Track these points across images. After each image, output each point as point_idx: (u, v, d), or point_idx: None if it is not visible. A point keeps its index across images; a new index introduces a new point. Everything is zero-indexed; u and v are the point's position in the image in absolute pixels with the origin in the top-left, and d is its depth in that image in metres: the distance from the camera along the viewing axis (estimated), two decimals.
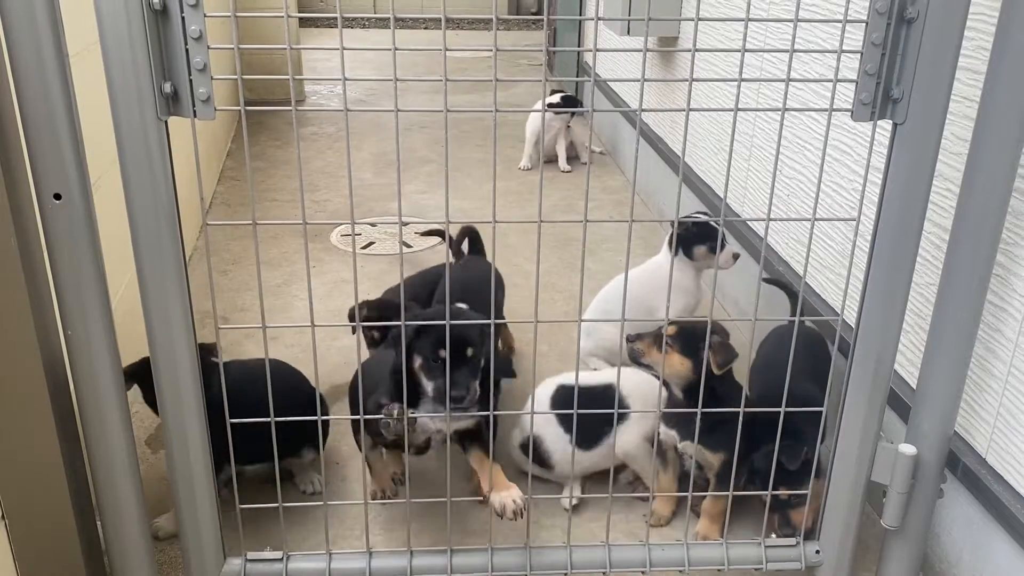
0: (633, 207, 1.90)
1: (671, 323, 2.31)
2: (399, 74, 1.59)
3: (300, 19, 8.23)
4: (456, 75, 1.47)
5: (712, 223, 2.94)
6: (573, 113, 5.50)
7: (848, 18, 1.61)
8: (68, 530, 1.84)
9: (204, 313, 1.87)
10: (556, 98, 5.56)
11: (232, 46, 1.55)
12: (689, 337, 2.29)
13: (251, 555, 1.99)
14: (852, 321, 1.91)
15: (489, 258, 2.85)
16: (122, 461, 1.81)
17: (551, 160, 5.66)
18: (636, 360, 2.43)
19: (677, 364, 2.31)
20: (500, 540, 2.18)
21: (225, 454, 1.86)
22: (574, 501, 2.52)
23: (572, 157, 5.70)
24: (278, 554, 2.00)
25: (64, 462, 1.78)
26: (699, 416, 2.03)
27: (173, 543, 2.34)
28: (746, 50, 1.64)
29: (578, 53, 6.97)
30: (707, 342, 2.18)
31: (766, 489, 2.12)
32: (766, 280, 2.93)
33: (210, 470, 1.88)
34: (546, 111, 5.35)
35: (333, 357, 3.26)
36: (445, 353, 1.93)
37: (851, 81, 1.67)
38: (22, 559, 1.85)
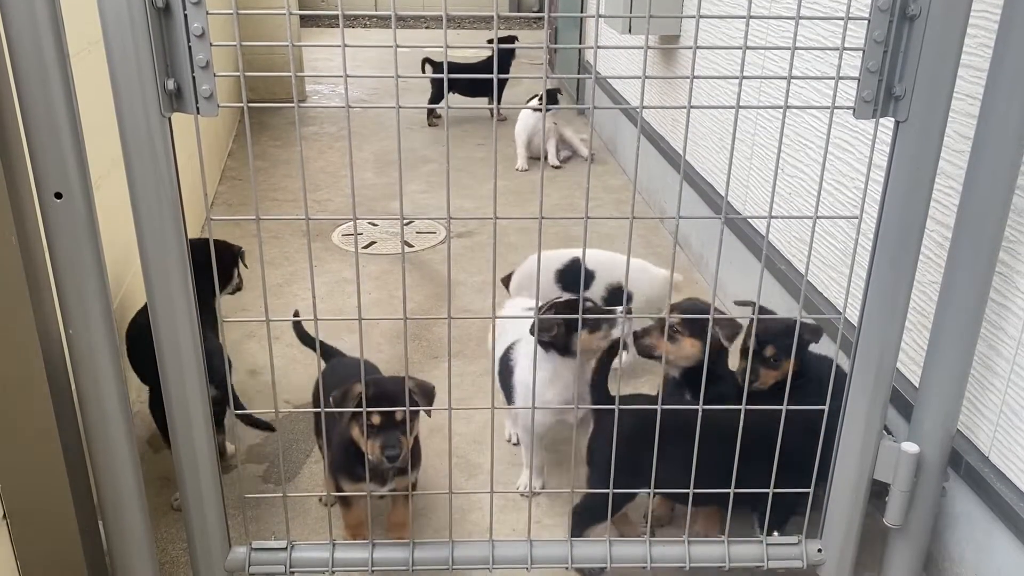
0: (634, 205, 1.90)
1: (672, 312, 2.34)
2: (400, 72, 1.59)
3: (301, 17, 8.22)
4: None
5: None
6: (549, 109, 5.50)
7: (850, 15, 1.61)
8: (70, 530, 1.84)
9: None
10: (535, 102, 5.66)
11: (235, 43, 1.55)
12: (693, 320, 2.31)
13: (256, 544, 2.01)
14: (854, 319, 1.90)
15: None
16: (124, 460, 1.81)
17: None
18: (648, 355, 2.43)
19: (689, 348, 2.33)
20: (502, 534, 2.18)
21: None
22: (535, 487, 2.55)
23: (567, 159, 5.72)
24: (282, 543, 2.01)
25: (65, 462, 1.78)
26: (700, 405, 2.02)
27: (175, 542, 2.34)
28: (747, 47, 1.64)
29: (579, 52, 6.97)
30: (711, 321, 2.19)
31: None
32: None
33: (215, 460, 1.88)
34: (531, 109, 5.49)
35: None
36: None
37: (853, 78, 1.67)
38: (24, 559, 1.85)
